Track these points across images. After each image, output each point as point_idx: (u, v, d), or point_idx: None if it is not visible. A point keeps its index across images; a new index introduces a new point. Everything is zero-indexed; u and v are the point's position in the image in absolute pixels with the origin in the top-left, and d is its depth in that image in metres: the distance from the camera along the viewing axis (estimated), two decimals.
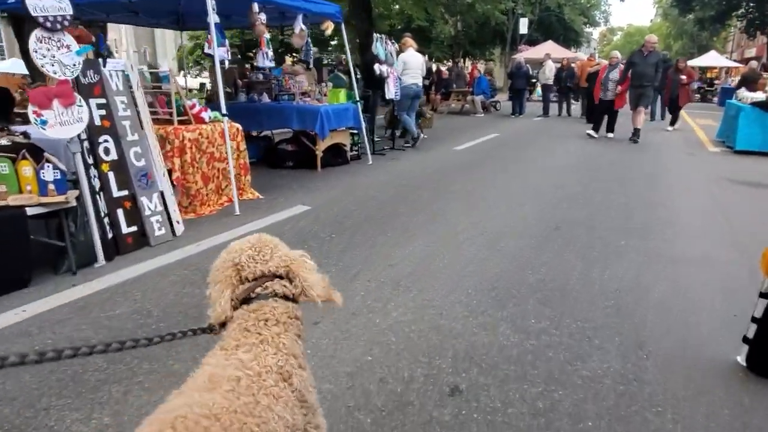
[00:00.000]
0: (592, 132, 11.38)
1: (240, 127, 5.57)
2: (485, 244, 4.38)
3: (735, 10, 30.17)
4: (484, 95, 17.34)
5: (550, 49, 26.18)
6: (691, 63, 33.61)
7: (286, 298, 1.35)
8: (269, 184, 6.44)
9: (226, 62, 5.17)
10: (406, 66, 9.18)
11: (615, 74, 10.95)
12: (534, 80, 21.67)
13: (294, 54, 16.74)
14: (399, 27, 34.73)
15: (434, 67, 20.97)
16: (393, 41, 8.92)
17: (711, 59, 31.48)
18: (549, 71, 16.71)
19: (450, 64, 35.09)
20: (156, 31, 51.35)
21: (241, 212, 5.17)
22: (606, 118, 11.37)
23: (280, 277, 1.37)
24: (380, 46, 8.46)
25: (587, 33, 54.94)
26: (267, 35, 5.93)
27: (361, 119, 7.86)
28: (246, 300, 1.32)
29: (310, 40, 7.30)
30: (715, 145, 10.63)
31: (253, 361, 1.17)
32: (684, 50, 54.13)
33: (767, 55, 25.91)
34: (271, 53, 5.98)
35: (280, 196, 5.91)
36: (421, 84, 9.63)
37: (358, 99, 7.84)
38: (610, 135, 11.22)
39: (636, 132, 10.53)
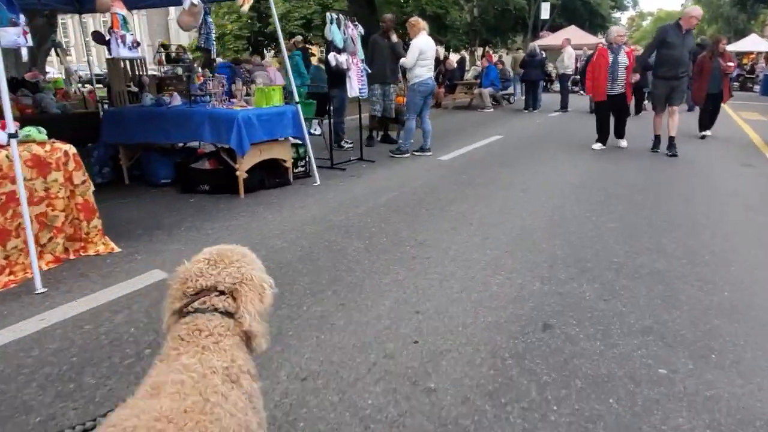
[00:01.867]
0: (597, 146, 8.41)
1: (71, 150, 3.71)
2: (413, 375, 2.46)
3: None
4: (494, 87, 15.21)
5: (571, 34, 23.90)
6: (728, 48, 30.98)
7: (229, 315, 1.25)
8: (148, 224, 4.60)
9: (23, 50, 3.31)
10: (422, 55, 7.26)
11: (623, 57, 7.91)
12: (550, 70, 19.47)
13: (271, 45, 14.80)
14: (415, 14, 32.88)
15: (442, 55, 18.93)
16: (356, 23, 6.96)
17: (751, 43, 28.61)
18: (568, 59, 14.50)
19: (464, 53, 33.06)
20: (170, 24, 50.38)
21: (57, 284, 3.35)
22: (612, 120, 8.43)
23: (223, 293, 1.27)
24: (336, 29, 6.52)
25: (615, 18, 51.95)
26: (122, 12, 4.05)
27: (303, 126, 5.92)
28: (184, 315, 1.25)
29: (210, 21, 5.39)
30: None
31: (196, 364, 1.11)
32: (719, 35, 50.69)
33: None
34: (130, 38, 4.08)
35: (146, 248, 4.06)
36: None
37: (298, 100, 5.90)
38: (622, 143, 8.46)
39: (672, 142, 7.69)
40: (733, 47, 29.19)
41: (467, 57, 31.22)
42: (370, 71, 7.45)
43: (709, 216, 4.86)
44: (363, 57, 7.18)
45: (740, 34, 38.72)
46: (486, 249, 4.00)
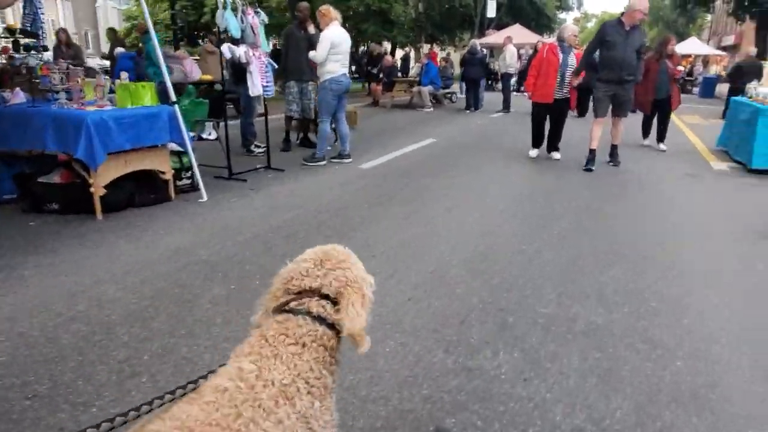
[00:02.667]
0: (533, 152, 7.67)
1: None
2: None
3: None
4: (434, 85, 14.43)
5: (515, 33, 23.53)
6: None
7: (322, 321, 1.19)
8: None
9: None
10: (334, 48, 6.27)
11: (573, 59, 7.10)
12: (496, 68, 18.93)
13: (209, 35, 13.50)
14: (360, 9, 31.96)
15: (382, 50, 18.07)
16: (258, 10, 5.95)
17: (692, 46, 29.07)
18: (510, 58, 13.90)
19: (407, 49, 32.37)
20: (98, 11, 47.56)
21: None
22: (548, 126, 7.54)
23: (327, 297, 1.22)
24: (230, 16, 5.49)
25: (561, 19, 52.45)
26: None
27: (183, 130, 4.87)
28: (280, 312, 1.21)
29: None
30: (718, 157, 7.95)
31: (253, 372, 1.04)
32: (661, 38, 52.01)
33: (755, 42, 23.51)
34: None
35: None
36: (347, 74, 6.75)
37: (175, 99, 4.83)
38: (556, 156, 7.51)
39: (615, 150, 7.05)
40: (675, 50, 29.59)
41: (412, 54, 30.51)
42: (276, 66, 6.45)
43: (657, 243, 4.14)
44: (268, 49, 6.17)
45: (680, 37, 39.56)
46: (385, 295, 3.11)
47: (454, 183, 5.97)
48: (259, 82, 5.92)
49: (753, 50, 13.42)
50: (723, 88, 22.54)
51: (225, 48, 5.55)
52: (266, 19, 6.07)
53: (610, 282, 3.40)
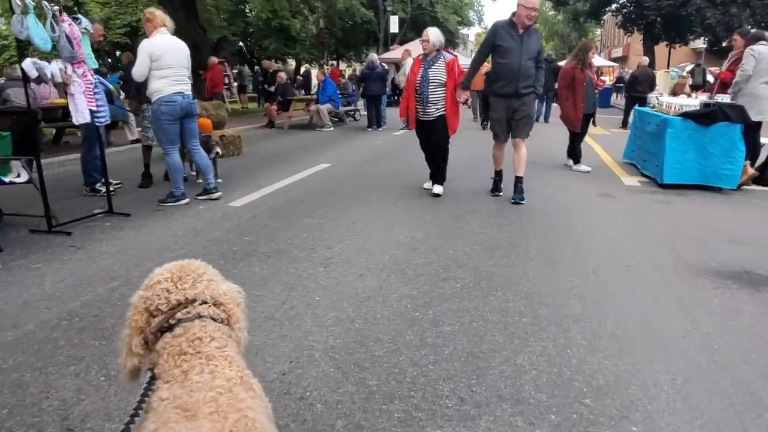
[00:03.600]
0: (428, 183, 6.32)
1: None
2: None
3: (609, 5, 28.92)
4: (333, 103, 13.48)
5: (415, 47, 23.24)
6: (564, 63, 32.47)
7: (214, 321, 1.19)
8: None
9: None
10: (156, 62, 5.04)
11: (439, 72, 5.65)
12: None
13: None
14: (260, 25, 30.65)
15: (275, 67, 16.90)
16: (78, 17, 4.67)
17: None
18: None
19: (307, 66, 31.49)
20: None
21: None
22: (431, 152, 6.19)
23: (205, 303, 1.21)
24: (33, 23, 4.18)
25: (463, 34, 53.65)
26: None
27: None
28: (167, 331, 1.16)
29: None
30: (627, 171, 7.49)
31: (217, 378, 1.04)
32: (556, 51, 54.55)
33: (643, 52, 24.61)
34: None
35: None
36: (190, 92, 5.48)
37: None
38: (436, 189, 6.03)
39: (519, 184, 5.70)
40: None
41: (313, 71, 29.66)
42: (109, 86, 5.17)
43: (577, 296, 3.30)
44: (95, 65, 4.88)
45: (573, 50, 41.42)
46: None
47: (340, 223, 4.94)
48: (84, 106, 4.62)
49: (645, 60, 13.64)
50: (618, 99, 23.38)
51: (27, 63, 4.24)
52: (90, 27, 4.79)
53: (528, 368, 2.48)
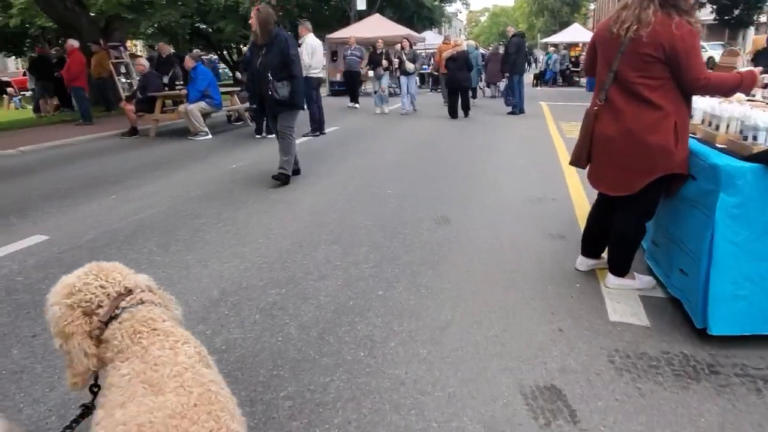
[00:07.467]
0: None
1: None
2: None
3: None
4: (208, 101, 9.52)
5: (371, 25, 19.47)
6: (553, 39, 28.49)
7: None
8: None
9: None
10: None
11: None
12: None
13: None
14: (214, 4, 26.50)
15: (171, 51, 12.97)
16: None
17: (575, 33, 26.29)
18: (309, 55, 9.22)
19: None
20: None
21: None
22: None
23: (142, 291, 1.28)
24: None
25: (449, 13, 49.03)
26: None
27: None
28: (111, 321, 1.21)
29: None
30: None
31: (177, 356, 1.08)
32: (546, 27, 50.18)
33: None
34: None
35: None
36: None
37: None
38: None
39: None
40: (558, 38, 26.64)
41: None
42: None
43: None
44: None
45: (565, 25, 37.41)
46: None
47: None
48: None
49: None
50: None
51: None
52: None
53: None
